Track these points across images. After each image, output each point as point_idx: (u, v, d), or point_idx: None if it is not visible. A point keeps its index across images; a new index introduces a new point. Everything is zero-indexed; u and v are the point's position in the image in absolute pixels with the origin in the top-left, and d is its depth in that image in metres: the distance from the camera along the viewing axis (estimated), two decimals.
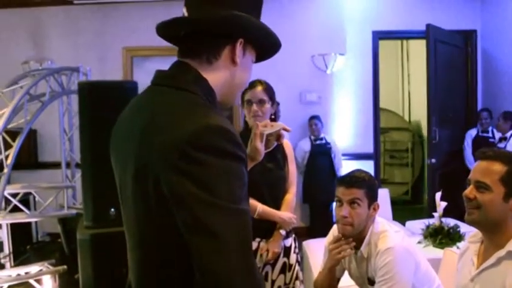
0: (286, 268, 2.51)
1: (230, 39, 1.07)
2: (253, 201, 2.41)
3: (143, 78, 4.93)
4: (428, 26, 5.20)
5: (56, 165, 4.84)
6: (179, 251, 0.94)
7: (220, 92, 1.09)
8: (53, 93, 4.53)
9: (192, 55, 1.08)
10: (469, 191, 1.55)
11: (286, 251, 2.52)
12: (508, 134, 5.08)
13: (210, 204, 0.89)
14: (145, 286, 1.06)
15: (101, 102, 3.10)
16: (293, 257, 2.54)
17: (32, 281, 3.84)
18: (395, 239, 2.04)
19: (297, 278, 2.54)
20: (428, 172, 5.45)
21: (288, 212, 2.50)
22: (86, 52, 5.71)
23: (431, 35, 5.21)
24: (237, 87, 1.14)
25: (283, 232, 2.46)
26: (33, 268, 3.91)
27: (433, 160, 5.21)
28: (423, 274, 2.11)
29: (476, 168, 1.58)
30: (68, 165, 4.74)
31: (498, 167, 1.52)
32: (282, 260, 2.49)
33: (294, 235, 2.61)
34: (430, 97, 5.26)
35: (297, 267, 2.55)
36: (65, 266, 3.93)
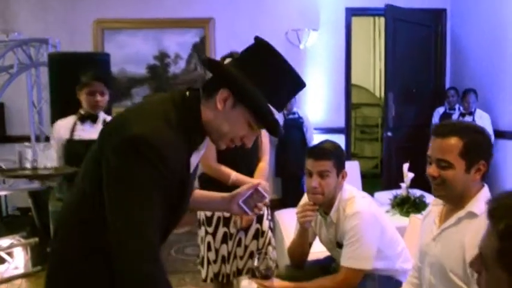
0: (259, 234, 2.61)
1: (221, 84, 1.24)
2: (227, 169, 2.50)
3: (114, 52, 4.88)
4: (387, 5, 5.35)
5: (24, 139, 4.76)
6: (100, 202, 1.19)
7: (209, 129, 1.27)
8: (22, 66, 4.43)
9: (202, 87, 1.30)
10: (432, 170, 1.59)
11: (259, 217, 2.59)
12: (472, 109, 5.25)
13: (122, 189, 1.15)
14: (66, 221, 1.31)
15: (71, 75, 3.05)
16: (266, 224, 2.62)
17: (3, 254, 3.82)
18: (362, 204, 2.13)
19: (269, 243, 2.63)
20: (385, 145, 5.71)
21: (261, 179, 2.56)
22: (55, 24, 5.54)
23: (389, 14, 5.38)
24: (222, 135, 1.28)
25: None
26: (4, 241, 3.88)
27: (389, 134, 5.52)
28: (389, 238, 2.21)
29: (434, 145, 1.60)
30: (37, 138, 4.67)
31: (455, 142, 1.54)
32: (254, 226, 2.59)
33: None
34: (387, 74, 5.47)
35: (270, 234, 2.64)
36: (37, 239, 3.91)
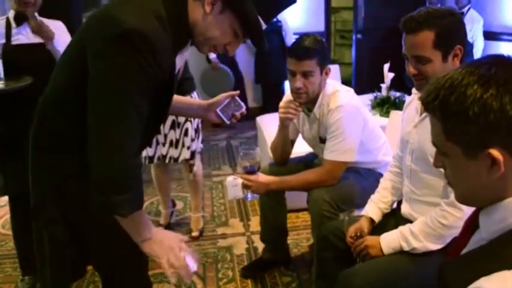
0: (175, 125, 2.77)
1: None
2: None
3: None
4: None
5: None
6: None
7: (195, 31, 1.23)
8: None
9: None
10: (412, 67, 1.56)
11: None
12: (464, 10, 5.10)
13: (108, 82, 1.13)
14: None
15: None
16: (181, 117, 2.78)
17: None
18: (345, 97, 2.13)
19: (186, 134, 2.79)
20: (356, 48, 5.84)
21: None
22: None
23: None
24: (207, 39, 1.24)
25: None
26: None
27: (359, 36, 5.67)
28: (371, 131, 2.24)
29: (407, 43, 1.56)
30: None
31: (427, 35, 1.50)
32: (171, 118, 2.73)
33: (193, 96, 2.79)
34: None
35: (187, 125, 2.78)
36: None
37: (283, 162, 2.41)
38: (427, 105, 0.87)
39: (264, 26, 1.24)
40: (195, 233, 3.02)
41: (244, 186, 2.13)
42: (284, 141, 2.33)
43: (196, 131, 2.85)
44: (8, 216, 3.42)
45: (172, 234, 1.31)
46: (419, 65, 1.54)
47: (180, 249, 1.24)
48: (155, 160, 2.86)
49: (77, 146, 1.21)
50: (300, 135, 2.41)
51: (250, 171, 2.10)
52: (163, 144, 2.82)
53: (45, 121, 1.29)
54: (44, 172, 1.30)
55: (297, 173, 2.22)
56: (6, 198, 3.70)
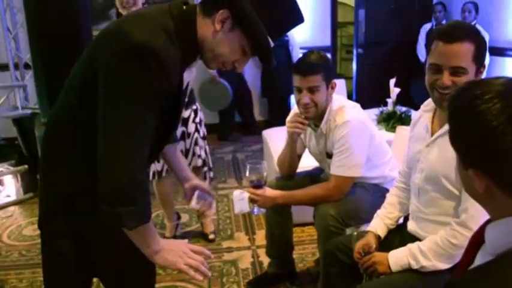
0: (185, 136, 2.82)
1: (222, 5, 1.20)
2: None
3: None
4: None
5: (2, 67, 4.60)
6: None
7: (204, 48, 1.24)
8: None
9: (201, 3, 1.24)
10: (446, 78, 1.48)
11: (184, 121, 2.81)
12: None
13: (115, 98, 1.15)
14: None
15: None
16: (191, 126, 2.85)
17: None
18: (352, 113, 2.14)
19: (196, 143, 2.87)
20: (357, 62, 5.99)
21: None
22: None
23: None
24: (216, 56, 1.25)
25: None
26: None
27: (360, 50, 5.83)
28: (377, 146, 2.24)
29: (445, 52, 1.47)
30: (15, 66, 4.52)
31: (468, 47, 1.46)
32: (180, 129, 2.79)
33: (195, 107, 2.87)
34: None
35: (196, 135, 2.87)
36: (26, 166, 3.91)
37: (289, 177, 2.41)
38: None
39: (271, 44, 1.26)
40: (211, 236, 3.11)
41: (251, 201, 2.13)
42: (291, 156, 2.34)
43: (204, 138, 2.94)
44: (13, 226, 3.44)
45: (178, 241, 1.33)
46: (455, 76, 1.48)
47: (191, 250, 1.28)
48: (164, 174, 2.88)
49: (86, 161, 1.22)
50: (306, 150, 2.42)
51: (257, 185, 2.10)
52: None
53: (55, 135, 1.30)
54: (53, 185, 1.31)
55: (303, 187, 2.23)
56: (12, 208, 3.75)
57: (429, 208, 1.67)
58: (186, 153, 2.85)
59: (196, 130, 2.87)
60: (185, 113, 2.82)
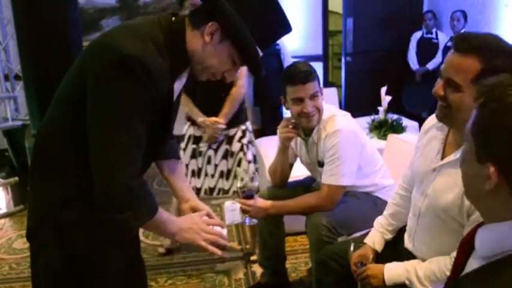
0: (228, 154, 2.75)
1: (211, 17, 1.21)
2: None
3: None
4: None
5: None
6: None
7: (193, 59, 1.26)
8: None
9: (190, 15, 1.26)
10: (438, 87, 1.37)
11: (229, 139, 2.74)
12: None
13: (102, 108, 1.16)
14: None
15: (37, 7, 2.87)
16: (236, 146, 2.76)
17: None
18: (342, 122, 2.14)
19: (239, 165, 2.76)
20: (346, 70, 6.07)
21: (232, 105, 2.68)
22: None
23: None
24: (206, 67, 1.27)
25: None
26: None
27: (349, 59, 5.93)
28: (368, 155, 2.24)
29: (449, 62, 1.34)
30: (6, 77, 4.50)
31: (473, 64, 1.28)
32: (224, 147, 2.74)
33: (245, 126, 2.79)
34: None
35: (240, 155, 2.75)
36: (16, 178, 3.88)
37: (281, 186, 2.41)
38: None
39: (260, 54, 1.26)
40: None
41: (243, 211, 2.12)
42: (284, 164, 2.33)
43: (250, 162, 2.76)
44: (3, 239, 3.40)
45: (193, 216, 1.39)
46: (449, 89, 1.34)
47: (206, 224, 1.35)
48: (201, 193, 2.76)
49: (76, 172, 1.22)
50: (298, 159, 2.42)
51: (249, 195, 2.09)
52: (212, 176, 2.76)
53: (45, 146, 1.30)
54: (42, 196, 1.30)
55: (295, 196, 2.22)
56: (2, 221, 3.71)
57: (427, 234, 1.59)
58: (227, 174, 2.74)
59: (242, 150, 2.75)
60: (231, 131, 2.75)
